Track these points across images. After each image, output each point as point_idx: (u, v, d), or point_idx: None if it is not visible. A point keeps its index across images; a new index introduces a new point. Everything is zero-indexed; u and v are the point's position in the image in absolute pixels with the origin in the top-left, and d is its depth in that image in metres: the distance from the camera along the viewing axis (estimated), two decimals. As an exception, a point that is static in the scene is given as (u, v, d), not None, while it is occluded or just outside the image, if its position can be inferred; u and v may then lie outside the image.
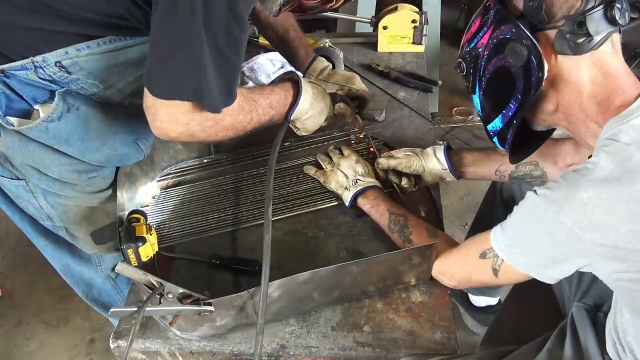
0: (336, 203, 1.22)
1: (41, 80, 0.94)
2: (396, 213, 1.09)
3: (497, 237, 0.84)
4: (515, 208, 0.81)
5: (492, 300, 1.70)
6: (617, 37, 0.78)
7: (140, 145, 1.15)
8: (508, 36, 0.81)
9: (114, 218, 1.14)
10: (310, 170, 1.28)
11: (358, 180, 1.17)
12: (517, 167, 1.12)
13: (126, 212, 1.11)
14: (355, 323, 1.00)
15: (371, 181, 1.18)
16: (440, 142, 1.24)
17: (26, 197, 1.12)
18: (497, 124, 0.90)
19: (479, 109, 0.93)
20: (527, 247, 0.81)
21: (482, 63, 0.87)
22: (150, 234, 0.99)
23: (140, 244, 0.96)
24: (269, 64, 1.58)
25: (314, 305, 1.01)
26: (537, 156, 1.09)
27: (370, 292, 1.04)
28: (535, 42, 0.77)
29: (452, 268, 0.97)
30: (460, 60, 0.92)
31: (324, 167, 1.27)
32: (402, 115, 1.48)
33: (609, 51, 0.78)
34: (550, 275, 0.80)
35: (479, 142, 2.45)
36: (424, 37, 1.68)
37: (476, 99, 0.93)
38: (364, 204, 1.16)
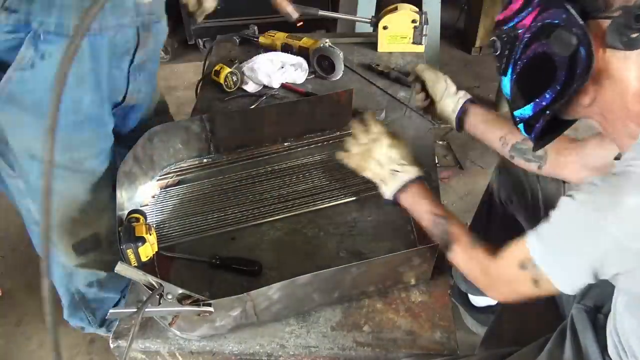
0: (336, 203, 1.21)
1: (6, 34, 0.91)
2: (438, 215, 1.00)
3: (533, 246, 0.78)
4: (553, 215, 0.76)
5: (492, 301, 1.69)
6: None
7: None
8: (556, 22, 0.72)
9: (94, 229, 1.14)
10: (340, 156, 1.17)
11: (396, 172, 1.06)
12: (524, 140, 1.08)
13: (125, 212, 1.11)
14: (355, 323, 1.00)
15: (410, 171, 1.06)
16: (441, 142, 1.24)
17: (18, 197, 1.13)
18: (526, 111, 0.83)
19: (508, 92, 0.86)
20: (567, 257, 0.75)
21: (521, 46, 0.79)
22: (150, 234, 0.99)
23: (140, 244, 0.96)
24: (269, 64, 1.58)
25: (314, 305, 1.01)
26: None
27: (370, 292, 1.04)
28: (587, 32, 0.70)
29: (496, 283, 0.90)
30: (495, 39, 0.83)
31: (351, 149, 1.14)
32: (402, 115, 1.48)
33: None
34: (577, 286, 0.76)
35: (478, 142, 2.45)
36: (424, 37, 1.68)
37: (506, 81, 0.85)
38: (405, 201, 1.05)
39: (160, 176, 1.30)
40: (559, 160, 1.07)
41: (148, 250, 0.97)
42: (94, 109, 1.09)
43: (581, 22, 0.70)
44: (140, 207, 1.22)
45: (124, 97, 1.19)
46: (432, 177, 1.27)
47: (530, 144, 1.02)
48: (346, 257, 1.11)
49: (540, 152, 1.07)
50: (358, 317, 1.01)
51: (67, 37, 0.92)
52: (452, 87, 1.21)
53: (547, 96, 0.78)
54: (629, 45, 0.69)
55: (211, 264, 1.09)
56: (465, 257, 0.93)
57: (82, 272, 1.33)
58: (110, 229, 1.29)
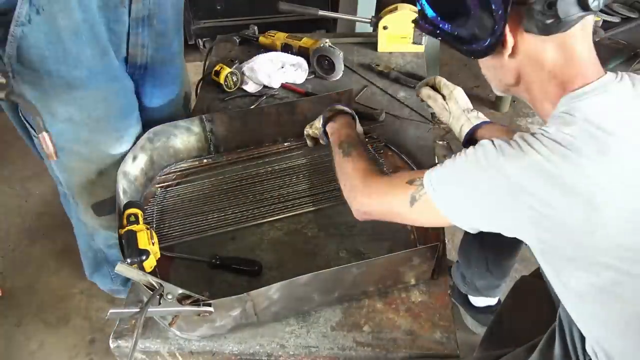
0: (336, 203, 1.21)
1: None
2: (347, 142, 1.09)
3: (433, 170, 0.84)
4: (467, 149, 0.81)
5: (492, 301, 1.70)
6: (589, 21, 0.78)
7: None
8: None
9: (112, 192, 1.14)
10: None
11: None
12: None
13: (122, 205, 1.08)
14: (355, 323, 1.00)
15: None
16: (441, 142, 1.24)
17: (44, 156, 1.16)
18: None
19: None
20: (460, 187, 0.80)
21: None
22: (153, 243, 0.96)
23: (144, 257, 0.92)
24: (269, 64, 1.58)
25: (314, 305, 1.01)
26: None
27: (370, 292, 1.04)
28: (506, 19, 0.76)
29: (371, 188, 0.95)
30: None
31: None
32: (402, 115, 1.48)
33: (578, 35, 0.77)
34: (473, 226, 0.81)
35: (479, 142, 2.45)
36: (424, 37, 1.69)
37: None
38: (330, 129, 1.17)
39: (161, 176, 1.31)
40: None
41: (152, 261, 0.95)
42: (97, 62, 1.07)
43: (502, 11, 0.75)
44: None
45: (127, 52, 1.17)
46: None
47: None
48: (346, 257, 1.11)
49: None
50: (358, 317, 1.01)
51: None
52: (453, 122, 1.19)
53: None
54: (544, 31, 0.75)
55: (211, 264, 1.09)
56: (354, 163, 1.01)
57: (102, 232, 1.35)
58: None
